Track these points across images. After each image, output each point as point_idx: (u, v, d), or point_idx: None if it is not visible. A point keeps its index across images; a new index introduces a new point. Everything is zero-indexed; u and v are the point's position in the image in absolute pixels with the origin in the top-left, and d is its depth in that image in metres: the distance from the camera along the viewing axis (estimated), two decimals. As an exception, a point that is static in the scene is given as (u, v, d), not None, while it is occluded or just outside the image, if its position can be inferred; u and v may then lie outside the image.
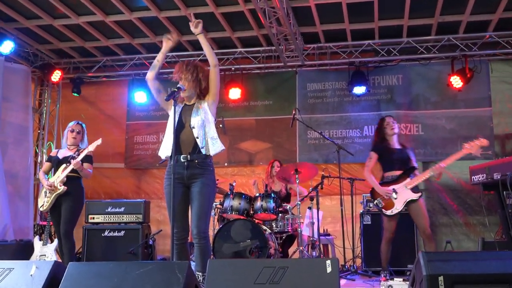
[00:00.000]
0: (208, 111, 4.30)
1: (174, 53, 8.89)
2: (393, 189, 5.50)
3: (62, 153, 5.74)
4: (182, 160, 4.14)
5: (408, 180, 5.49)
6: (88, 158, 5.64)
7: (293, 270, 2.90)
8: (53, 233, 6.10)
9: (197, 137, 4.16)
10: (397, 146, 5.72)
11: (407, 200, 5.43)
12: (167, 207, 4.20)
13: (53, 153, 5.91)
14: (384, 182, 5.65)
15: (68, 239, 5.47)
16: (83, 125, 5.93)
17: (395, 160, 5.65)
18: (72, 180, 5.53)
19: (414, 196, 5.42)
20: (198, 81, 4.26)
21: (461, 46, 8.16)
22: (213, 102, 4.35)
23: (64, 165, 5.52)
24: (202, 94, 4.33)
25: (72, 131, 5.77)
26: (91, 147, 5.46)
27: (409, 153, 5.68)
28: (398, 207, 5.46)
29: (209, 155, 4.20)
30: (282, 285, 2.83)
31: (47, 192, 5.51)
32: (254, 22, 7.80)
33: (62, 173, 5.47)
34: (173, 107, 4.11)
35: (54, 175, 5.62)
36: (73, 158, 5.48)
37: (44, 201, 5.54)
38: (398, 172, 5.59)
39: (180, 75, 4.27)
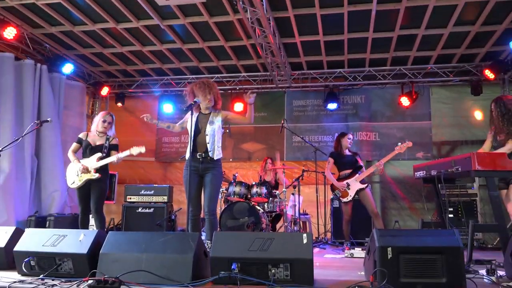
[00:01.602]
0: (220, 124, 4.32)
1: (193, 76, 8.85)
2: (347, 183, 5.71)
3: (93, 139, 4.98)
4: (198, 156, 4.19)
5: (356, 175, 5.71)
6: (115, 147, 4.99)
7: (278, 240, 2.87)
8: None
9: (208, 143, 4.18)
10: (347, 152, 5.91)
11: (357, 189, 5.65)
12: (185, 191, 4.19)
13: (82, 135, 5.06)
14: (340, 178, 5.86)
15: (100, 214, 4.84)
16: (113, 116, 5.18)
17: (345, 162, 5.87)
18: (102, 166, 4.87)
19: (362, 186, 5.66)
20: (211, 95, 4.27)
21: (409, 74, 8.13)
22: (224, 121, 4.38)
23: (99, 154, 4.84)
24: (213, 105, 4.33)
25: (104, 121, 5.00)
26: (134, 151, 4.83)
27: (356, 157, 5.90)
28: (351, 194, 5.68)
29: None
30: (269, 252, 2.80)
31: (79, 171, 4.81)
32: (254, 54, 7.77)
33: (97, 161, 4.81)
34: (190, 119, 4.07)
35: (83, 157, 4.94)
36: (106, 148, 4.87)
37: (75, 180, 4.84)
38: (348, 171, 5.82)
39: (197, 93, 4.25)
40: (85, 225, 4.90)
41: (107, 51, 7.88)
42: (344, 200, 5.69)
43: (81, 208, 4.90)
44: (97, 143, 4.96)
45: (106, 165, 4.93)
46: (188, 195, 4.12)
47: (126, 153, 4.86)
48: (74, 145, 5.04)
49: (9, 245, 3.39)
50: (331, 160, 5.92)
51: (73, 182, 4.89)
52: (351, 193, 5.65)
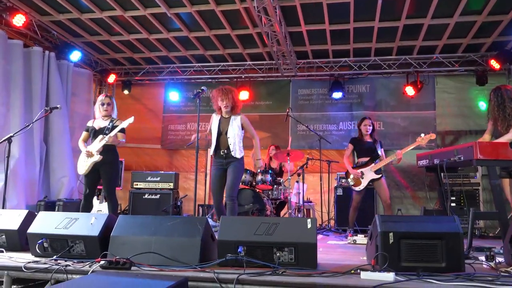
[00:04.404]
0: (240, 127, 4.80)
1: (199, 64, 8.91)
2: (361, 171, 5.64)
3: (98, 123, 4.88)
4: (221, 153, 4.73)
5: (372, 164, 5.62)
6: (121, 129, 4.77)
7: (283, 225, 2.94)
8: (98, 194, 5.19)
9: (230, 144, 4.69)
10: (368, 139, 5.79)
11: (370, 180, 5.57)
12: (211, 184, 4.97)
13: (89, 123, 4.96)
14: (356, 166, 5.78)
15: (112, 200, 4.77)
16: (112, 98, 5.00)
17: (364, 150, 5.76)
18: (109, 148, 4.73)
19: (376, 176, 5.59)
20: (232, 102, 4.75)
21: (414, 64, 8.15)
22: (242, 126, 4.83)
23: (101, 136, 4.71)
24: (233, 109, 4.78)
25: (103, 104, 4.84)
26: (125, 124, 4.69)
27: (377, 145, 5.76)
28: (364, 184, 5.63)
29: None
30: (274, 236, 2.87)
31: (85, 157, 4.71)
32: (260, 42, 7.79)
33: (99, 143, 4.68)
34: (213, 120, 4.89)
35: (92, 143, 4.80)
36: (108, 129, 4.72)
37: (83, 167, 4.73)
38: (366, 159, 5.72)
39: (222, 98, 4.71)
40: (85, 210, 4.75)
41: (114, 39, 7.93)
42: (356, 189, 5.65)
43: (84, 192, 4.81)
44: (101, 126, 4.85)
45: (113, 148, 4.81)
46: (212, 187, 4.81)
47: (117, 129, 4.69)
48: (83, 134, 4.95)
49: (22, 228, 3.50)
50: (350, 146, 5.86)
51: (82, 169, 4.78)
52: (364, 182, 5.59)
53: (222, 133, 4.74)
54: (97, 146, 4.70)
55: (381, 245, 2.77)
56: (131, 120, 4.70)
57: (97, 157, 4.66)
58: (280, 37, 6.80)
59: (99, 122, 4.91)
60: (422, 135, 5.28)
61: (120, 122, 4.84)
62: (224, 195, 4.72)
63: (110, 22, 7.18)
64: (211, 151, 4.80)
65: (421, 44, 7.65)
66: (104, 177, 4.76)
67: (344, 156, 5.91)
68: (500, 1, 6.08)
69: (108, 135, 4.65)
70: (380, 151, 5.74)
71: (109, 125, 4.79)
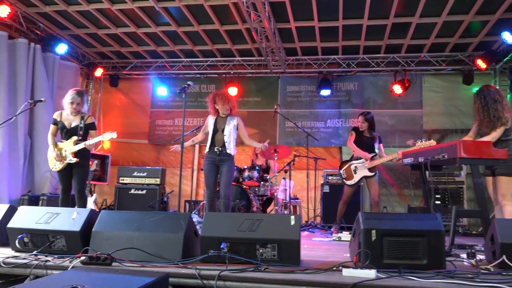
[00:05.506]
0: (235, 126, 4.99)
1: (188, 59, 8.84)
2: (355, 166, 5.65)
3: (67, 118, 4.72)
4: (215, 150, 4.87)
5: (367, 162, 5.61)
6: (92, 126, 4.76)
7: (266, 222, 2.93)
8: (92, 189, 5.25)
9: (226, 142, 4.86)
10: (366, 135, 5.78)
11: (363, 176, 5.60)
12: (204, 178, 5.00)
13: (56, 116, 4.75)
14: (351, 159, 5.77)
15: (82, 195, 4.68)
16: (84, 96, 4.79)
17: (362, 144, 5.73)
18: (83, 151, 4.69)
19: (369, 173, 5.60)
20: (232, 105, 4.97)
21: (402, 62, 8.18)
22: (236, 126, 5.00)
23: (75, 138, 4.65)
24: (231, 110, 4.99)
25: (72, 103, 4.65)
26: (106, 137, 4.70)
27: (375, 142, 5.74)
28: (355, 179, 5.65)
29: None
30: (257, 233, 2.86)
31: (57, 157, 4.64)
32: (249, 38, 7.76)
33: (74, 145, 4.63)
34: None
35: (62, 139, 4.73)
36: (81, 129, 4.65)
37: (56, 164, 4.67)
38: None
39: (223, 103, 4.88)
40: (65, 205, 4.70)
41: (102, 32, 7.83)
42: (348, 182, 5.65)
43: (61, 188, 4.74)
44: (72, 125, 4.72)
45: (87, 151, 4.76)
46: (205, 181, 4.96)
47: (97, 138, 4.70)
48: (52, 127, 4.77)
49: (3, 222, 3.43)
50: (353, 133, 5.78)
51: (54, 166, 4.72)
52: (356, 178, 5.60)
53: (218, 131, 4.92)
54: (72, 149, 4.65)
55: (363, 242, 2.77)
56: (114, 135, 4.74)
57: (73, 160, 4.63)
58: (269, 33, 6.78)
59: (68, 117, 4.75)
60: (423, 140, 5.10)
61: (92, 118, 4.84)
62: (220, 193, 4.85)
63: (98, 14, 7.09)
64: (206, 148, 4.95)
65: (409, 43, 7.69)
66: (76, 175, 4.70)
67: (349, 142, 5.79)
68: (487, 2, 6.12)
69: (88, 143, 4.66)
70: (378, 147, 5.71)
71: (80, 123, 4.70)
